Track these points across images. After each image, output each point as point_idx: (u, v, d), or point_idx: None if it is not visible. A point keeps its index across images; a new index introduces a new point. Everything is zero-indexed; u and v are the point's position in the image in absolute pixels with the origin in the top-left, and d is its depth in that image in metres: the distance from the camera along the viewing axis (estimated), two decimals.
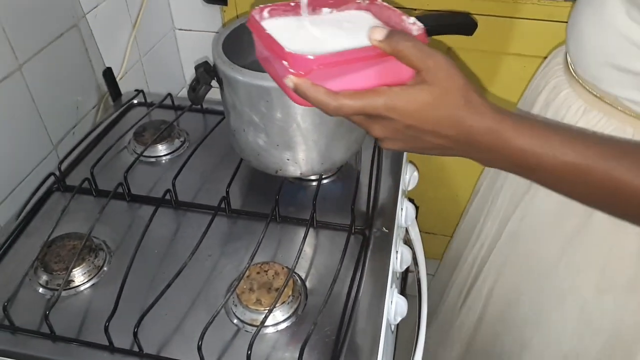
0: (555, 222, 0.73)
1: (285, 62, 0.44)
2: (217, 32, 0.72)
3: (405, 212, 0.81)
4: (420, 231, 0.84)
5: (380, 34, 0.44)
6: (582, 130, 0.45)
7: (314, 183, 0.77)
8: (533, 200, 0.77)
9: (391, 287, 0.67)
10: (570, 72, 0.68)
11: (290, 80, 0.44)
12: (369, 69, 0.45)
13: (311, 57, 0.43)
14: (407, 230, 0.87)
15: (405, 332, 0.76)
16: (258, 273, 0.64)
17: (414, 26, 0.47)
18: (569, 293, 0.73)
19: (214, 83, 0.67)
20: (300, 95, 0.44)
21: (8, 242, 0.71)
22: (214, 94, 0.71)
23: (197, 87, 0.67)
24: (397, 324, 1.01)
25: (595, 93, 0.63)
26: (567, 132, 0.45)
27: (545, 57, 0.85)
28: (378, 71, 0.45)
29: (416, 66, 0.43)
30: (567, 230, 0.71)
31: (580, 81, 0.66)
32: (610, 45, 0.58)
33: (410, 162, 0.89)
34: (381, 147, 0.47)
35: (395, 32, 0.44)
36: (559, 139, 0.44)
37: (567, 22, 0.70)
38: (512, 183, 0.83)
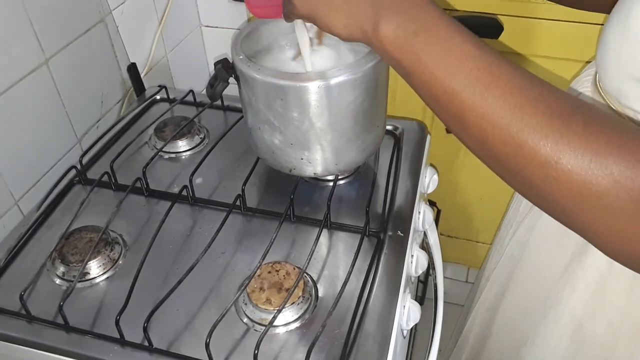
0: (564, 232, 0.70)
1: None
2: (238, 29, 0.72)
3: (422, 216, 0.79)
4: (443, 235, 0.82)
5: None
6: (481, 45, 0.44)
7: (331, 183, 0.76)
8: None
9: (404, 291, 0.66)
10: (596, 84, 0.65)
11: None
12: None
13: None
14: (425, 234, 0.86)
15: (425, 337, 0.75)
16: (269, 272, 0.63)
17: None
18: (565, 312, 0.70)
19: (231, 80, 0.67)
20: None
21: (29, 232, 0.72)
22: (237, 91, 0.71)
23: (215, 83, 0.67)
24: (415, 329, 1.00)
25: (614, 107, 0.60)
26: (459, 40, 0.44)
27: (587, 62, 0.82)
28: None
29: None
30: (571, 247, 0.68)
31: (603, 94, 0.62)
32: (634, 56, 0.55)
33: (431, 165, 0.88)
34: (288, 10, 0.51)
35: None
36: (456, 33, 0.44)
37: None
38: None
